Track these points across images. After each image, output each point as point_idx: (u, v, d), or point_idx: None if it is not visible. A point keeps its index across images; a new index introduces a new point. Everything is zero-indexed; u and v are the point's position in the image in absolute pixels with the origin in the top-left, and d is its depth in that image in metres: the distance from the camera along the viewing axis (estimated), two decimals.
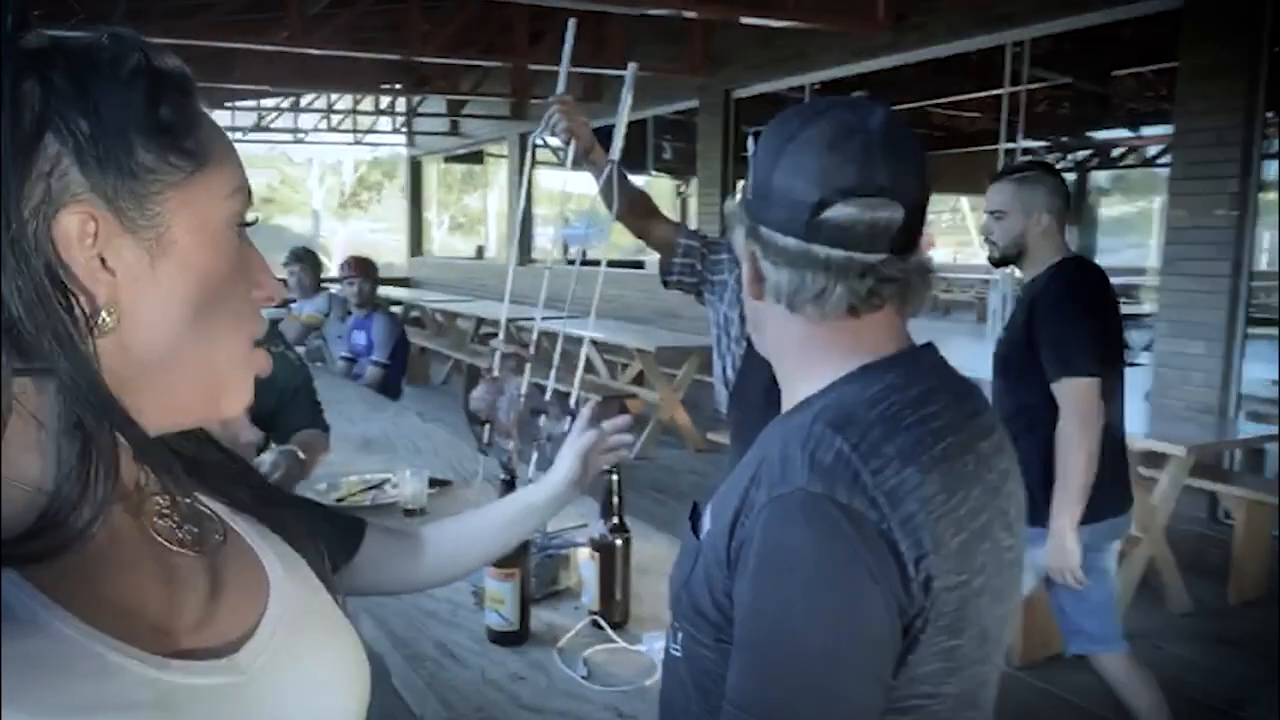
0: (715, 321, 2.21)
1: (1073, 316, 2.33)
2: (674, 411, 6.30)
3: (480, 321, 8.46)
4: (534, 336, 1.93)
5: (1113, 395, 2.33)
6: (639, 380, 6.91)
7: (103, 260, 0.50)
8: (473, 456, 2.76)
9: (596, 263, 2.00)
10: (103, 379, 0.50)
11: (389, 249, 18.32)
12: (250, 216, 0.59)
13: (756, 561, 0.76)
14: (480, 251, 14.30)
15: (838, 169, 0.79)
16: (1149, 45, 5.85)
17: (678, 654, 0.88)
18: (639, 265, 8.34)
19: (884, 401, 0.79)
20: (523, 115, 10.44)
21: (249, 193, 0.58)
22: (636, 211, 2.09)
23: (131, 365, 0.52)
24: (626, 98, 1.94)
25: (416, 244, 14.87)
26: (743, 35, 6.97)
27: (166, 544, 0.57)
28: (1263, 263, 4.53)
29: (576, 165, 1.98)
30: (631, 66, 1.96)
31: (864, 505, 0.74)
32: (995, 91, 5.78)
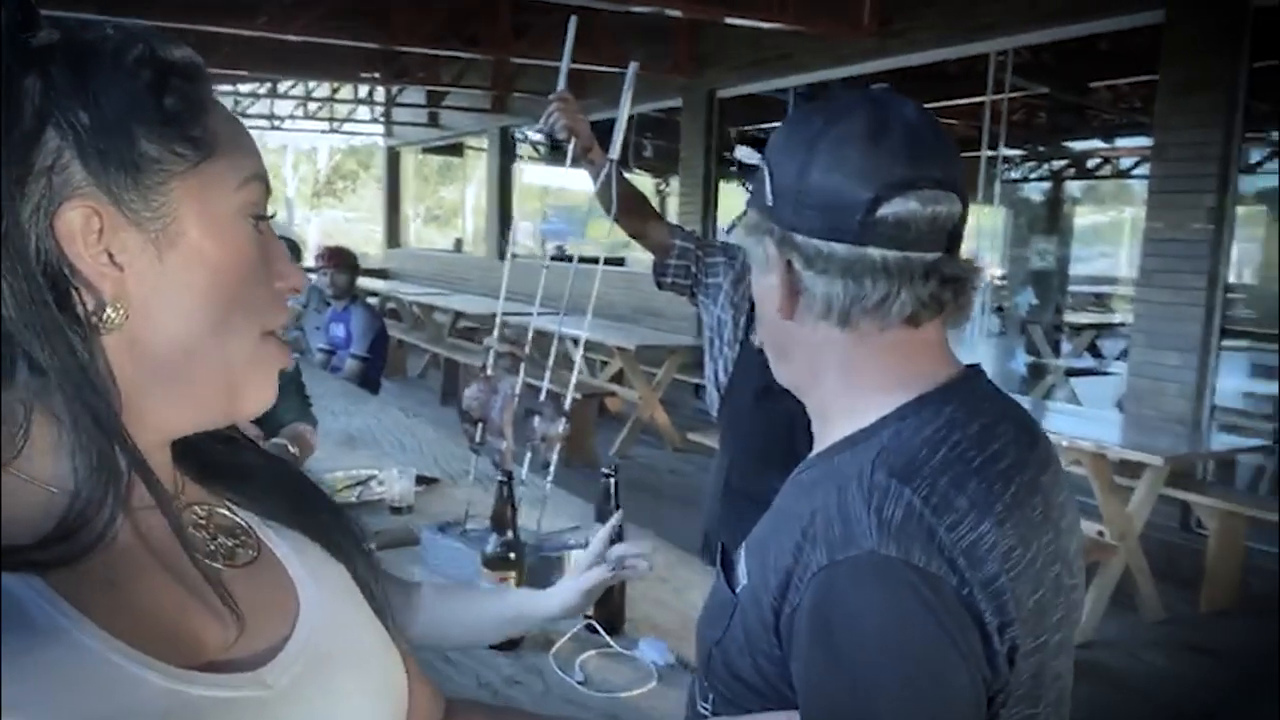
0: (708, 324, 2.21)
1: None
2: (654, 410, 6.30)
3: (458, 315, 8.40)
4: (529, 335, 1.91)
5: None
6: (618, 378, 6.90)
7: (110, 255, 0.49)
8: (459, 454, 2.74)
9: (595, 260, 1.99)
10: (99, 382, 0.49)
11: (363, 239, 18.17)
12: (270, 210, 0.57)
13: (821, 635, 0.67)
14: (458, 244, 14.21)
15: (887, 162, 0.71)
16: (1125, 57, 5.92)
17: (706, 712, 0.80)
18: (620, 262, 8.33)
19: (947, 441, 0.70)
20: (504, 109, 10.39)
21: (267, 183, 0.57)
22: (633, 212, 2.09)
23: (143, 362, 0.51)
24: (627, 97, 1.92)
25: (393, 235, 14.74)
26: (728, 36, 6.97)
27: (199, 556, 0.55)
28: (1233, 276, 4.61)
29: (575, 163, 1.97)
30: (633, 66, 1.94)
31: (942, 568, 0.65)
32: (977, 99, 5.83)
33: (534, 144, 9.38)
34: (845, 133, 0.73)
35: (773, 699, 0.72)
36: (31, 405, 0.49)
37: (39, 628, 0.44)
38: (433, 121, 12.54)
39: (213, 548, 0.57)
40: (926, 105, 0.77)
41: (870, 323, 0.74)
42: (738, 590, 0.76)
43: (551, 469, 1.83)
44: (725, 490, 2.22)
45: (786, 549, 0.70)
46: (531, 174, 10.12)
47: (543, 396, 1.84)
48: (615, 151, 1.94)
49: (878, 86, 0.79)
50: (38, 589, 0.45)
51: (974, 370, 0.80)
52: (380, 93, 13.27)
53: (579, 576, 1.20)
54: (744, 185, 0.82)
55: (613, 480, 1.60)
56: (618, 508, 1.62)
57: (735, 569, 0.79)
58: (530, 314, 1.95)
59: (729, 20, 5.97)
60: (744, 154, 0.81)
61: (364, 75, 11.80)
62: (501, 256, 10.83)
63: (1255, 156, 4.78)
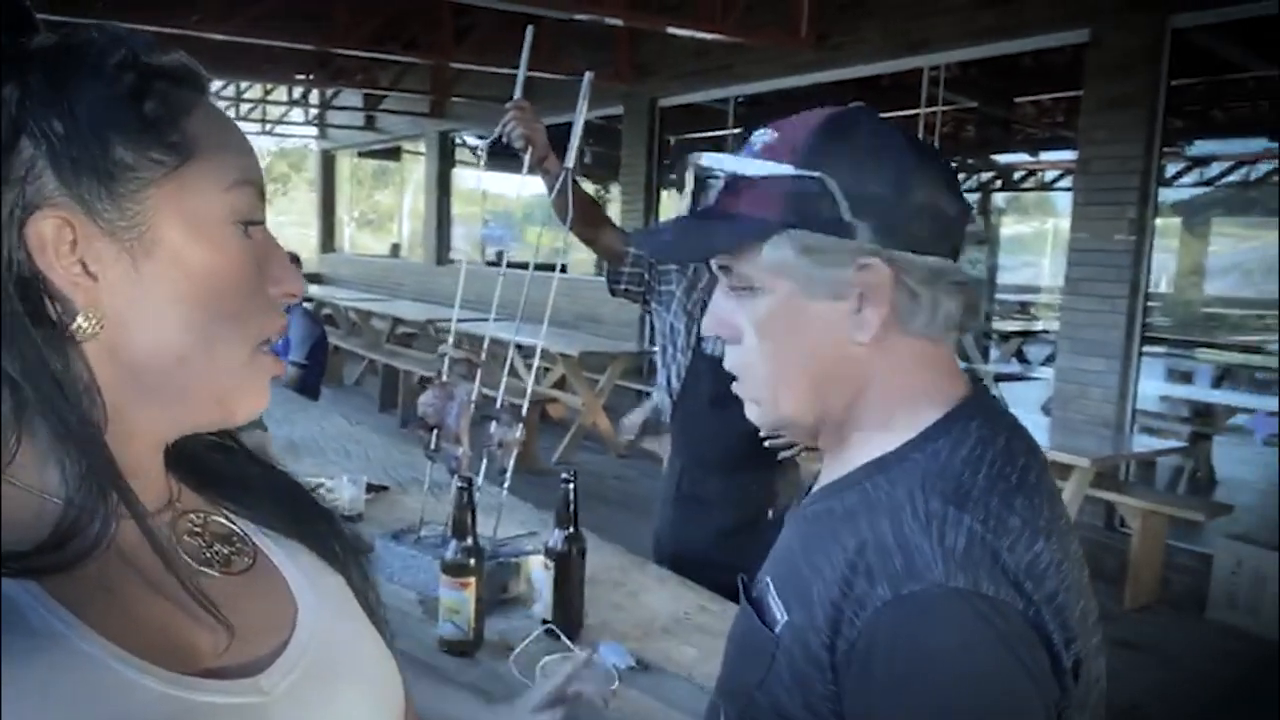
0: (661, 331, 2.24)
1: None
2: (596, 417, 6.31)
3: (396, 321, 8.29)
4: (485, 343, 1.91)
5: None
6: (561, 384, 6.89)
7: (84, 265, 0.49)
8: (405, 461, 2.72)
9: (553, 267, 2.00)
10: (73, 391, 0.49)
11: (295, 243, 17.77)
12: (262, 213, 0.56)
13: (890, 672, 0.64)
14: (395, 249, 14.02)
15: (953, 179, 0.73)
16: (1048, 74, 6.15)
17: None
18: (562, 269, 8.34)
19: (984, 460, 0.69)
20: (443, 113, 10.30)
21: (260, 188, 0.55)
22: (588, 220, 2.11)
23: (126, 371, 0.51)
24: (582, 106, 1.95)
25: (328, 240, 14.47)
26: (671, 45, 7.03)
27: (193, 563, 0.56)
28: (1150, 285, 4.82)
29: (531, 172, 1.98)
30: (587, 76, 1.97)
31: (1010, 593, 0.63)
32: (912, 112, 5.98)
33: (472, 149, 9.36)
34: (918, 146, 0.73)
35: None
36: (24, 413, 0.48)
37: (36, 632, 0.44)
38: (369, 125, 12.37)
39: (208, 555, 0.57)
40: None
41: (951, 335, 0.74)
42: (777, 629, 0.73)
43: (508, 475, 1.83)
44: (677, 495, 2.25)
45: (831, 581, 0.68)
46: (467, 178, 10.04)
47: (499, 403, 1.85)
48: (570, 160, 1.96)
49: (856, 104, 0.78)
50: (34, 594, 0.45)
51: (981, 383, 0.79)
52: (315, 94, 13.04)
53: (541, 712, 1.18)
54: (684, 190, 0.75)
55: (571, 486, 1.61)
56: (576, 516, 1.63)
57: (765, 605, 0.75)
58: (473, 320, 1.96)
59: (670, 30, 6.03)
60: (752, 166, 0.72)
61: (299, 77, 11.59)
62: (441, 262, 10.73)
63: (1170, 170, 5.00)
